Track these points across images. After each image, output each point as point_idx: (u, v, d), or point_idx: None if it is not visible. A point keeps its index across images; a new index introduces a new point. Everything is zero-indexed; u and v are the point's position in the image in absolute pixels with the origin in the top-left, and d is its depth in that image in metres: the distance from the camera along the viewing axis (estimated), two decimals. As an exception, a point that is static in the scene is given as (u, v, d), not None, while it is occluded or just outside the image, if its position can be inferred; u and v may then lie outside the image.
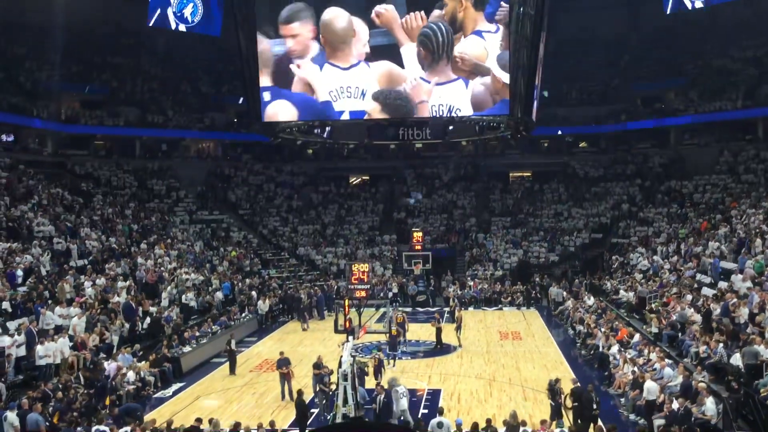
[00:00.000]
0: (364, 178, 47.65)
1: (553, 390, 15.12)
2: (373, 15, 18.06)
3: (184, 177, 42.45)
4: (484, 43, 17.62)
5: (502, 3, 17.16)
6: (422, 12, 17.80)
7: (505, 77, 17.22)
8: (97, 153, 41.25)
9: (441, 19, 18.47)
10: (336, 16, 18.74)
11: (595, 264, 36.74)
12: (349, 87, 18.85)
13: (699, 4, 33.04)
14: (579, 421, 14.63)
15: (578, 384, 15.39)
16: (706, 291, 22.73)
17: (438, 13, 17.72)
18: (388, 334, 23.23)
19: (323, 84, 18.49)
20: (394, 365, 21.56)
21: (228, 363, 21.33)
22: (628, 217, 38.88)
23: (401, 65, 17.89)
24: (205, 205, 41.08)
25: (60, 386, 16.19)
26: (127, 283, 24.48)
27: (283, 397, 17.86)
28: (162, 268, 27.96)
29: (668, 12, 34.53)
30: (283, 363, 18.24)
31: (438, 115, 17.94)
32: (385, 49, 18.64)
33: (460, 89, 17.52)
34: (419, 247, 35.27)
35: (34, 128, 37.64)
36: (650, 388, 15.54)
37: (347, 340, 18.57)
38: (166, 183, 41.10)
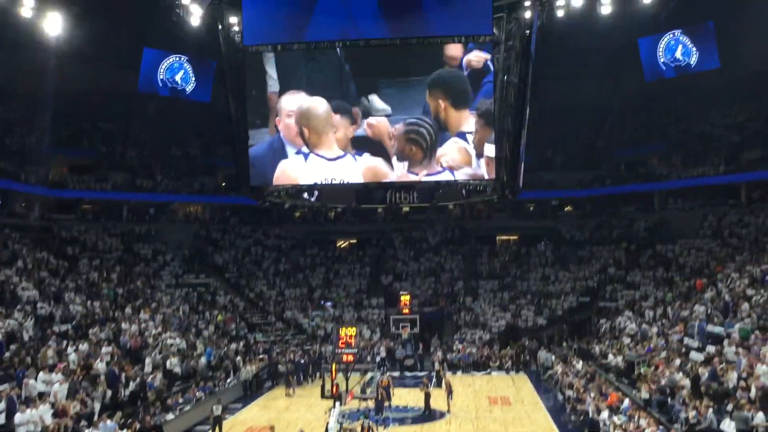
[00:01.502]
0: (351, 241, 47.69)
1: None
2: (365, 126, 18.53)
3: (171, 240, 42.32)
4: (467, 146, 18.18)
5: (482, 99, 17.69)
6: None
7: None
8: (84, 217, 41.18)
9: (429, 116, 19.06)
10: (315, 105, 19.22)
11: (583, 328, 36.63)
12: (334, 179, 19.16)
13: (677, 69, 33.94)
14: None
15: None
16: (695, 355, 22.68)
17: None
18: (374, 399, 22.99)
19: (307, 175, 18.81)
20: (385, 428, 21.29)
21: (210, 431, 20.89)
22: (614, 280, 38.99)
23: (388, 159, 18.28)
24: (191, 268, 40.87)
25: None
26: (111, 348, 24.12)
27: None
28: (146, 333, 27.61)
29: (648, 80, 35.44)
30: None
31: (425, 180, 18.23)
32: (370, 141, 19.16)
33: (447, 177, 17.93)
34: (407, 311, 35.17)
35: (21, 192, 37.63)
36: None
37: (334, 406, 18.35)
38: (153, 247, 40.92)
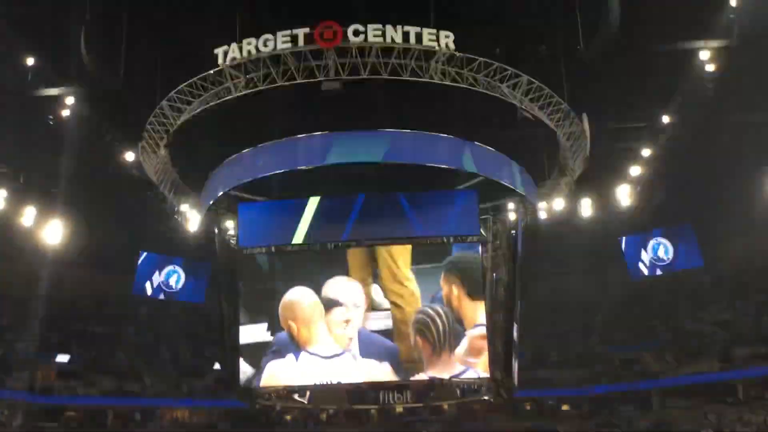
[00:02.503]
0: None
1: None
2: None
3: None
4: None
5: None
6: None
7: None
8: (68, 425, 39.78)
9: (441, 304, 19.25)
10: (299, 298, 19.59)
11: None
12: (330, 381, 18.96)
13: (661, 268, 34.80)
14: None
15: None
16: None
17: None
18: None
19: (299, 376, 18.64)
20: None
21: None
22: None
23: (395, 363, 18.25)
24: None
25: None
26: None
27: None
28: None
29: (633, 279, 36.29)
30: None
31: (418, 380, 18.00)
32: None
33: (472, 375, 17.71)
34: None
35: (4, 399, 36.67)
36: None
37: None
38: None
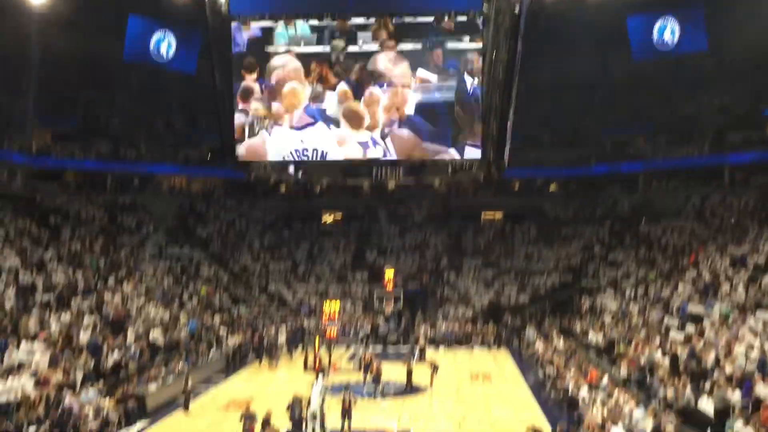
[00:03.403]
0: (336, 216, 47.63)
1: None
2: (367, 95, 18.26)
3: (155, 212, 42.06)
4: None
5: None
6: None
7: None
8: (67, 186, 40.79)
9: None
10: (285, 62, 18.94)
11: (565, 306, 36.93)
12: (306, 150, 18.90)
13: (665, 50, 34.09)
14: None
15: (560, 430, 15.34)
16: (674, 334, 22.97)
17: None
18: (365, 372, 23.29)
19: (276, 149, 18.47)
20: (384, 398, 21.96)
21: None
22: (597, 259, 39.27)
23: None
24: (175, 240, 40.68)
25: (21, 424, 15.76)
26: (93, 318, 24.07)
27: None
28: (129, 304, 27.54)
29: (636, 60, 35.58)
30: (248, 418, 16.74)
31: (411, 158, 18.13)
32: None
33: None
34: (391, 287, 35.25)
35: (3, 161, 37.17)
36: None
37: (317, 379, 18.43)
38: (136, 218, 40.65)
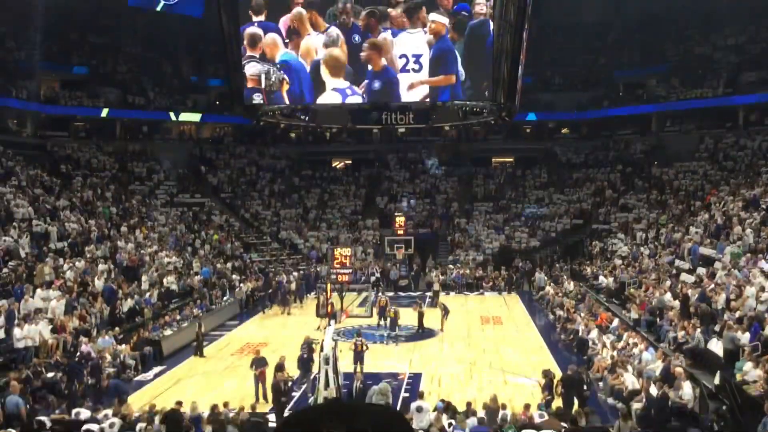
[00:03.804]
0: (346, 162, 47.53)
1: (549, 379, 15.25)
2: (381, 39, 17.77)
3: (165, 159, 42.08)
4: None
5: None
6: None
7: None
8: (77, 134, 40.77)
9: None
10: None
11: (575, 250, 37.02)
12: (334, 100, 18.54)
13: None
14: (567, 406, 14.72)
15: (571, 371, 15.50)
16: (685, 277, 23.01)
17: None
18: (383, 317, 23.54)
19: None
20: (397, 345, 22.25)
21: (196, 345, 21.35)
22: (609, 203, 39.12)
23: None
24: (186, 188, 40.78)
25: (39, 368, 16.09)
26: (107, 266, 24.32)
27: (257, 399, 16.30)
28: (142, 252, 27.79)
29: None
30: (258, 364, 16.85)
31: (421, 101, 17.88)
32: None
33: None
34: (401, 232, 35.34)
35: (13, 108, 37.11)
36: (629, 378, 15.73)
37: (329, 324, 18.64)
38: (147, 165, 40.70)
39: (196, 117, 44.04)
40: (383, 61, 16.79)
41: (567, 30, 45.68)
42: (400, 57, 17.37)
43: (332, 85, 18.06)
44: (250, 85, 18.99)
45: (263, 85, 18.32)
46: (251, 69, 18.83)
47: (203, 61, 45.81)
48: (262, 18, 18.72)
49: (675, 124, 42.17)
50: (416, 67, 17.92)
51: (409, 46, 17.65)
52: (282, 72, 18.39)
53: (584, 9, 44.85)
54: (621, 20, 46.66)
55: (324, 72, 18.17)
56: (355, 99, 18.13)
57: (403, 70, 17.87)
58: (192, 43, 45.41)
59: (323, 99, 18.37)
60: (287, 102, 17.84)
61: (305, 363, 17.41)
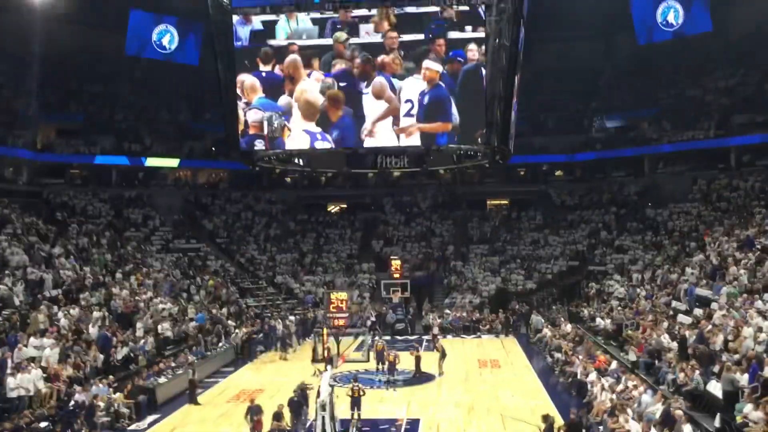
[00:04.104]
0: (342, 206, 47.67)
1: (549, 425, 15.08)
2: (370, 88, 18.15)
3: (161, 205, 42.14)
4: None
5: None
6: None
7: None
8: (73, 182, 40.88)
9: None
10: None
11: (572, 291, 36.97)
12: (330, 145, 18.74)
13: (669, 32, 33.93)
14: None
15: (573, 415, 15.36)
16: (682, 318, 22.95)
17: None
18: (381, 362, 23.47)
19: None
20: (395, 390, 21.94)
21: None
22: (604, 244, 39.20)
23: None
24: (181, 233, 40.75)
25: (32, 419, 15.87)
26: (102, 313, 24.17)
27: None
28: (137, 298, 27.64)
29: (641, 43, 35.46)
30: (254, 412, 16.33)
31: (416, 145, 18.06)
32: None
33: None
34: (398, 275, 35.31)
35: (8, 157, 37.28)
36: (632, 425, 15.55)
37: (326, 369, 18.49)
38: (143, 212, 40.73)
39: (174, 162, 44.01)
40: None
41: (559, 74, 46.34)
42: (406, 102, 17.63)
43: (301, 127, 18.37)
44: (251, 131, 19.23)
45: (266, 132, 18.58)
46: (253, 116, 19.15)
47: (200, 107, 46.24)
48: (269, 68, 19.05)
49: (667, 166, 42.49)
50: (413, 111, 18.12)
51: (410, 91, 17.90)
52: (284, 118, 18.67)
53: (575, 54, 45.66)
54: (611, 64, 47.43)
55: (296, 114, 18.48)
56: (324, 144, 18.42)
57: (407, 114, 18.13)
58: (189, 89, 45.85)
59: (291, 143, 18.67)
60: (285, 148, 18.01)
61: (297, 407, 17.23)
